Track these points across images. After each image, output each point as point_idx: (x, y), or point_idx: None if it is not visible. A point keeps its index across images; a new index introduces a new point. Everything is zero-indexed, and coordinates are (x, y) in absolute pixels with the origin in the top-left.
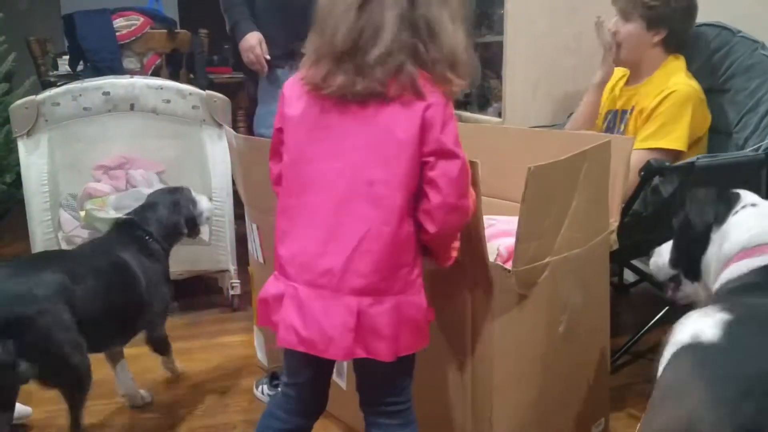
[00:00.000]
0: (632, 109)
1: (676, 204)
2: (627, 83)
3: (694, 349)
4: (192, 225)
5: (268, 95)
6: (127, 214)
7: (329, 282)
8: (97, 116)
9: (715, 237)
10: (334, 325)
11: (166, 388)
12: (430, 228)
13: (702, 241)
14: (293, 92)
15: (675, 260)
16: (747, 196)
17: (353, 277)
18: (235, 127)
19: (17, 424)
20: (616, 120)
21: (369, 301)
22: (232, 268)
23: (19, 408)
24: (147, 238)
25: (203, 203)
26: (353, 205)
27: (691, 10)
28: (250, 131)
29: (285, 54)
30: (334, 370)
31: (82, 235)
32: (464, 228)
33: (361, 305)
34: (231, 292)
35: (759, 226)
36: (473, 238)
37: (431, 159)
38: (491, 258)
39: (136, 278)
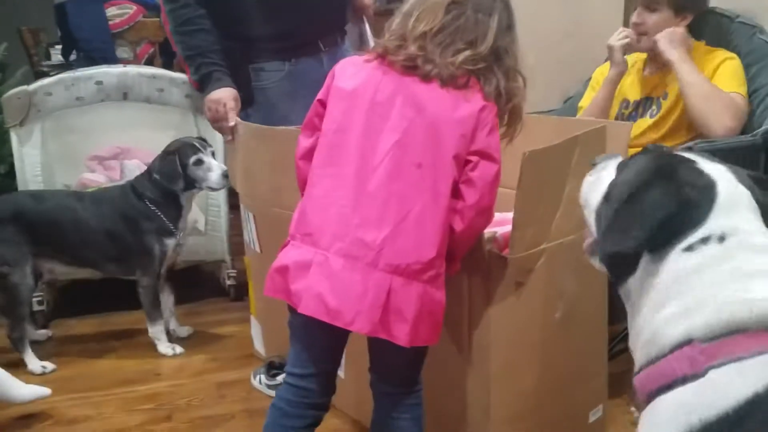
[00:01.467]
0: (665, 95)
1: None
2: (650, 71)
3: None
4: (182, 181)
5: (284, 95)
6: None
7: (365, 255)
8: (90, 106)
9: (647, 270)
10: (365, 298)
11: (163, 378)
12: (457, 226)
13: (629, 262)
14: (345, 70)
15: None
16: (721, 204)
17: (391, 254)
18: None
19: (18, 416)
20: (644, 107)
21: (401, 281)
22: (228, 258)
23: (36, 389)
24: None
25: (210, 173)
26: (400, 183)
27: None
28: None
29: (293, 46)
30: None
31: None
32: None
33: (394, 283)
34: (227, 282)
35: (726, 301)
36: None
37: (475, 158)
38: (487, 246)
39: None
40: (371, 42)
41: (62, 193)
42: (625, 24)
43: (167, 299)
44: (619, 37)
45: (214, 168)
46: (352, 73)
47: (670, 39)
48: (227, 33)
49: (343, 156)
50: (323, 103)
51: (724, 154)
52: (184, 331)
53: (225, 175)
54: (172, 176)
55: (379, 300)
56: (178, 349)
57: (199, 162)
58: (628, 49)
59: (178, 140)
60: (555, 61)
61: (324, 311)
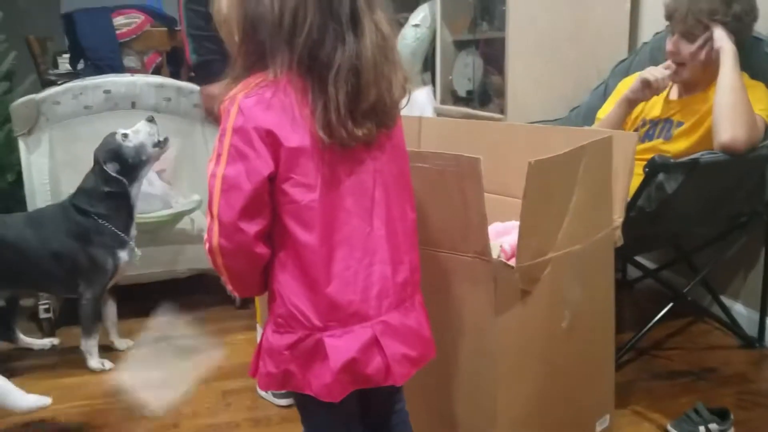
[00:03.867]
0: (680, 124)
1: (680, 200)
2: (676, 95)
3: None
4: (126, 166)
5: None
6: None
7: (407, 293)
8: (98, 115)
9: None
10: (426, 328)
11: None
12: None
13: None
14: (283, 127)
15: None
16: None
17: (416, 288)
18: None
19: (21, 423)
20: (661, 128)
21: (420, 298)
22: None
23: (38, 398)
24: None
25: (140, 134)
26: (392, 212)
27: (756, 17)
28: None
29: None
30: None
31: None
32: (466, 225)
33: (417, 302)
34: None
35: None
36: (477, 235)
37: None
38: (494, 255)
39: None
40: None
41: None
42: (631, 34)
43: (110, 310)
44: (662, 75)
45: (141, 128)
46: (290, 126)
47: (727, 35)
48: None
49: (342, 216)
50: (276, 175)
51: (730, 166)
52: (123, 344)
53: (155, 135)
54: (105, 180)
55: (427, 323)
56: (108, 365)
57: (125, 135)
58: (662, 84)
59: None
60: (560, 70)
61: (411, 365)
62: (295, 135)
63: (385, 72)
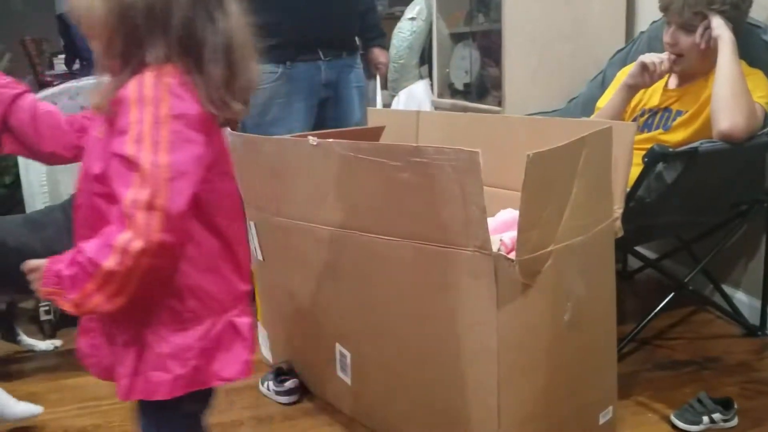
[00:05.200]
0: (680, 113)
1: (679, 190)
2: (675, 84)
3: None
4: None
5: (276, 98)
6: None
7: None
8: None
9: None
10: None
11: None
12: None
13: None
14: (201, 108)
15: None
16: None
17: None
18: None
19: (24, 426)
20: (660, 117)
21: None
22: None
23: (30, 407)
24: None
25: None
26: None
27: (751, 3)
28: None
29: (288, 49)
30: (338, 366)
31: None
32: (466, 219)
33: None
34: None
35: None
36: (477, 229)
37: None
38: (494, 248)
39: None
40: (379, 98)
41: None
42: (628, 24)
43: None
44: (660, 60)
45: None
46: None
47: (725, 23)
48: None
49: (235, 201)
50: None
51: (729, 155)
52: None
53: None
54: None
55: None
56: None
57: None
58: (660, 69)
59: None
60: (557, 61)
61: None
62: (212, 118)
63: (252, 53)
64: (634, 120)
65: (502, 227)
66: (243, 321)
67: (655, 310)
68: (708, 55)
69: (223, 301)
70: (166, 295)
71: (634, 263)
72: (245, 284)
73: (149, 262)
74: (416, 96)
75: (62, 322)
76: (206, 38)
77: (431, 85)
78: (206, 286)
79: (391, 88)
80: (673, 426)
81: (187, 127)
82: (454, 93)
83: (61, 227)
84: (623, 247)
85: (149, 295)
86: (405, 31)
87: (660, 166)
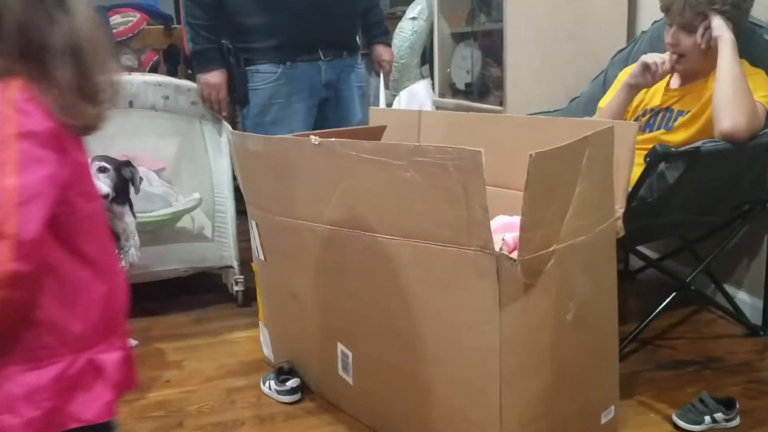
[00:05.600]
0: (682, 113)
1: (681, 190)
2: (676, 84)
3: None
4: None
5: (276, 98)
6: None
7: None
8: None
9: None
10: None
11: (173, 385)
12: None
13: None
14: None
15: None
16: None
17: None
18: (233, 122)
19: None
20: (663, 118)
21: None
22: (236, 264)
23: None
24: None
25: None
26: None
27: (752, 2)
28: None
29: (288, 49)
30: (340, 365)
31: None
32: (469, 218)
33: None
34: (235, 288)
35: None
36: (479, 229)
37: None
38: (497, 248)
39: None
40: (382, 97)
41: None
42: (629, 24)
43: None
44: (661, 59)
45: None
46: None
47: (725, 23)
48: (226, 28)
49: (102, 226)
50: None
51: (731, 155)
52: None
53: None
54: None
55: None
56: None
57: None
58: (662, 69)
59: None
60: (559, 61)
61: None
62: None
63: (105, 50)
64: (636, 120)
65: (502, 229)
66: (108, 357)
67: (657, 310)
68: (709, 55)
69: (85, 336)
70: (19, 330)
71: (636, 263)
72: (118, 316)
73: (3, 295)
74: (418, 96)
75: None
76: (48, 42)
77: (432, 84)
78: (65, 320)
79: (393, 88)
80: (675, 426)
81: (37, 145)
82: (456, 93)
83: None
84: (625, 247)
85: (2, 330)
86: (406, 31)
87: (662, 166)
